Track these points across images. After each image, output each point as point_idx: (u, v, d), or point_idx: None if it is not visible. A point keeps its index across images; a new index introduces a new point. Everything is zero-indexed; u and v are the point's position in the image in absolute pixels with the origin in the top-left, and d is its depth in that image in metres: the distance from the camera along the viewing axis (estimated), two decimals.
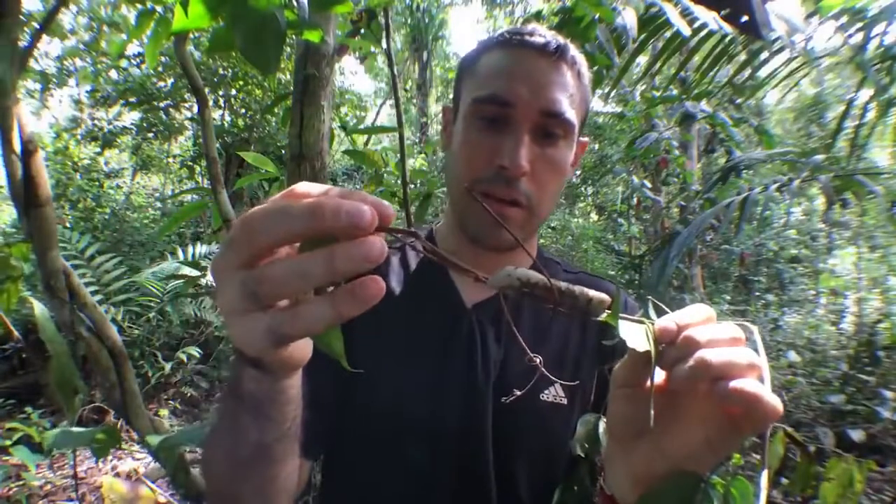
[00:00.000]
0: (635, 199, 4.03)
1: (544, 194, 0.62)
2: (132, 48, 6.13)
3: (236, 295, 0.29)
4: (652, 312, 0.39)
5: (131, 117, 7.32)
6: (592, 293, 0.37)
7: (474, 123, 0.62)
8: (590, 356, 0.67)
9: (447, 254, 0.34)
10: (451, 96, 0.73)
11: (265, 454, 0.42)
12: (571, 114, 0.61)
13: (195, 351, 3.78)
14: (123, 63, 6.39)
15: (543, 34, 0.62)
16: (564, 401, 0.63)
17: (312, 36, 0.97)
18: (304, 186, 0.31)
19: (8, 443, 2.42)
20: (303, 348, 0.37)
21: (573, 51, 0.63)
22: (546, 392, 0.63)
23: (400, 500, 0.62)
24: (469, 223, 0.65)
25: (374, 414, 0.63)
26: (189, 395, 3.84)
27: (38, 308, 0.84)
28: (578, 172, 8.51)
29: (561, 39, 0.62)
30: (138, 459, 3.00)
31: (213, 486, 0.48)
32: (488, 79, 0.61)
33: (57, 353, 0.82)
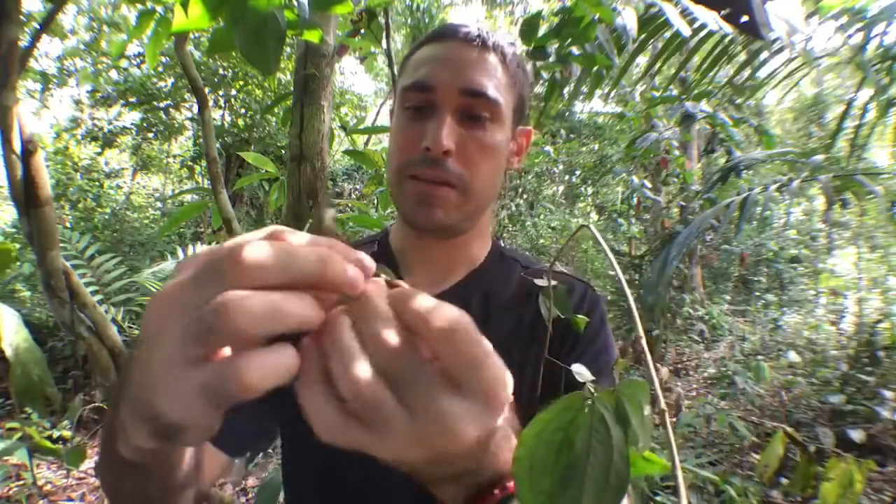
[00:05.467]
0: (635, 199, 4.03)
1: (476, 175, 0.62)
2: (132, 48, 6.14)
3: (180, 337, 0.24)
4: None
5: (131, 117, 7.32)
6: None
7: (403, 113, 0.63)
8: (535, 357, 0.65)
9: None
10: None
11: (149, 499, 0.39)
12: (495, 93, 0.61)
13: None
14: (123, 63, 6.39)
15: (469, 27, 0.64)
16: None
17: (312, 36, 0.97)
18: (287, 234, 0.29)
19: (8, 442, 2.42)
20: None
21: (502, 42, 0.64)
22: None
23: (360, 500, 0.62)
24: (403, 207, 0.64)
25: None
26: None
27: (6, 312, 0.80)
28: (578, 172, 8.51)
29: (490, 32, 0.64)
30: None
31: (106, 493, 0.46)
32: (415, 70, 0.63)
33: (22, 361, 0.78)
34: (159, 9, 1.32)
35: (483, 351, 0.28)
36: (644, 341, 0.35)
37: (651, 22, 1.33)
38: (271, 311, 0.24)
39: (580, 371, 0.56)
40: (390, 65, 1.55)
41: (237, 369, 0.24)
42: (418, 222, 0.63)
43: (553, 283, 0.61)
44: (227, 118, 6.76)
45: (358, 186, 7.45)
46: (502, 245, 0.76)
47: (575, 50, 1.28)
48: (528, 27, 1.26)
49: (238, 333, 0.24)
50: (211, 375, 0.24)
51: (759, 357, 4.41)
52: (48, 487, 2.65)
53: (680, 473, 0.28)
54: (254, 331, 0.24)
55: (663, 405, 0.31)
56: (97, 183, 6.69)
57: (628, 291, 0.39)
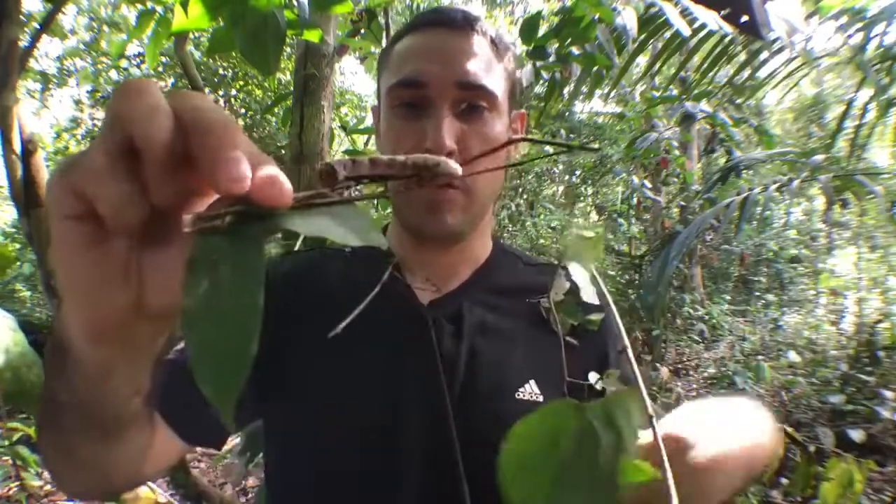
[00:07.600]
0: (635, 199, 4.03)
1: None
2: (132, 48, 6.12)
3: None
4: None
5: None
6: (431, 159, 0.31)
7: (394, 111, 0.59)
8: (547, 346, 0.62)
9: None
10: None
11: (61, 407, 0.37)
12: (491, 82, 0.58)
13: None
14: (123, 63, 6.39)
15: (452, 11, 0.60)
16: (541, 398, 0.60)
17: (312, 36, 0.97)
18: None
19: (7, 443, 2.42)
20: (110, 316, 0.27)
21: (485, 23, 0.61)
22: (521, 390, 0.60)
23: (360, 502, 0.58)
24: (407, 215, 0.61)
25: (326, 412, 0.59)
26: None
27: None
28: (578, 172, 8.51)
29: (473, 15, 0.61)
30: None
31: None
32: (400, 64, 0.59)
33: (13, 365, 0.77)
34: (159, 9, 1.32)
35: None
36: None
37: (651, 22, 1.33)
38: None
39: (610, 385, 0.56)
40: None
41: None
42: (426, 231, 0.59)
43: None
44: None
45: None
46: (502, 243, 0.74)
47: (575, 50, 1.28)
48: (528, 27, 1.26)
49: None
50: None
51: (759, 357, 4.41)
52: (48, 487, 2.65)
53: (670, 476, 0.27)
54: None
55: (651, 411, 0.30)
56: None
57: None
